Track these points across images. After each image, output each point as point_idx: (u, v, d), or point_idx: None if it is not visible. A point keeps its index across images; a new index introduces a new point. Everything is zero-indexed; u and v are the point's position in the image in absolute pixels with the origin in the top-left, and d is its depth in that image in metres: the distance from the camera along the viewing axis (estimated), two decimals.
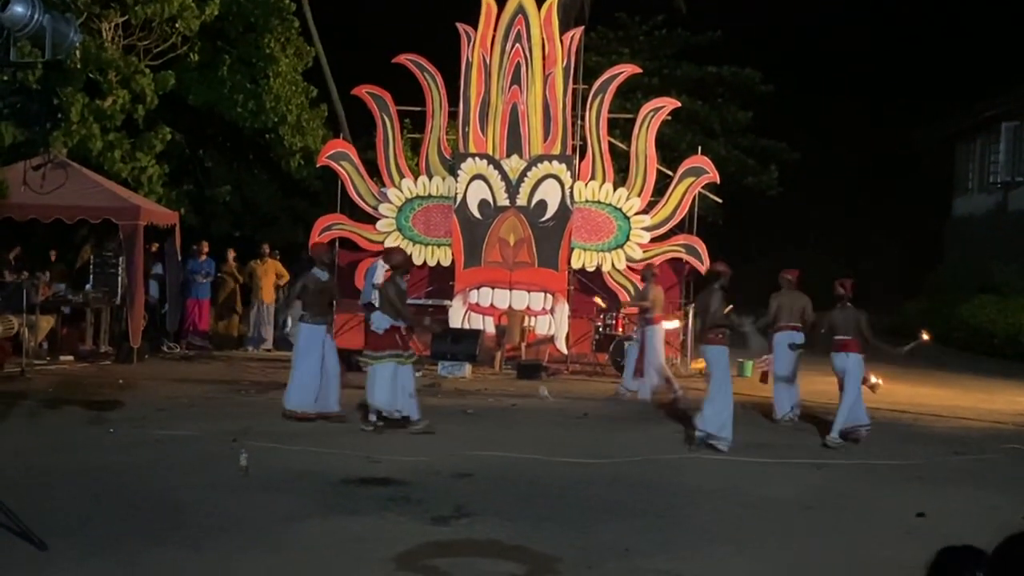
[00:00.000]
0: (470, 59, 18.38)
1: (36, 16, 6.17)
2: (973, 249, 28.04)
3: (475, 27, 18.35)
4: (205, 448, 10.02)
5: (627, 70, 19.56)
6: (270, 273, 19.84)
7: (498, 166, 18.18)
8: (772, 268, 14.46)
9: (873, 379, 12.15)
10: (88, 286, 17.67)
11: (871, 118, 37.49)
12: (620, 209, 18.20)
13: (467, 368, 16.48)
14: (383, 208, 18.63)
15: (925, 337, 13.21)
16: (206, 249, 19.80)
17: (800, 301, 13.12)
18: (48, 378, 14.74)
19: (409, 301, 17.71)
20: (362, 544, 6.98)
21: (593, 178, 18.31)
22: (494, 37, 18.31)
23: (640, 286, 16.50)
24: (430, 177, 18.68)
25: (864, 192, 38.03)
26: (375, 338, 11.78)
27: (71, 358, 16.67)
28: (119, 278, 17.33)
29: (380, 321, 11.68)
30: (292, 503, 7.99)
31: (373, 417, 11.55)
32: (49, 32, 6.31)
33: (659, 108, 18.70)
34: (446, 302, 18.10)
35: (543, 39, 18.19)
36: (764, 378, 13.41)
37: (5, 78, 6.61)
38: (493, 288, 17.97)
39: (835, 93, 37.98)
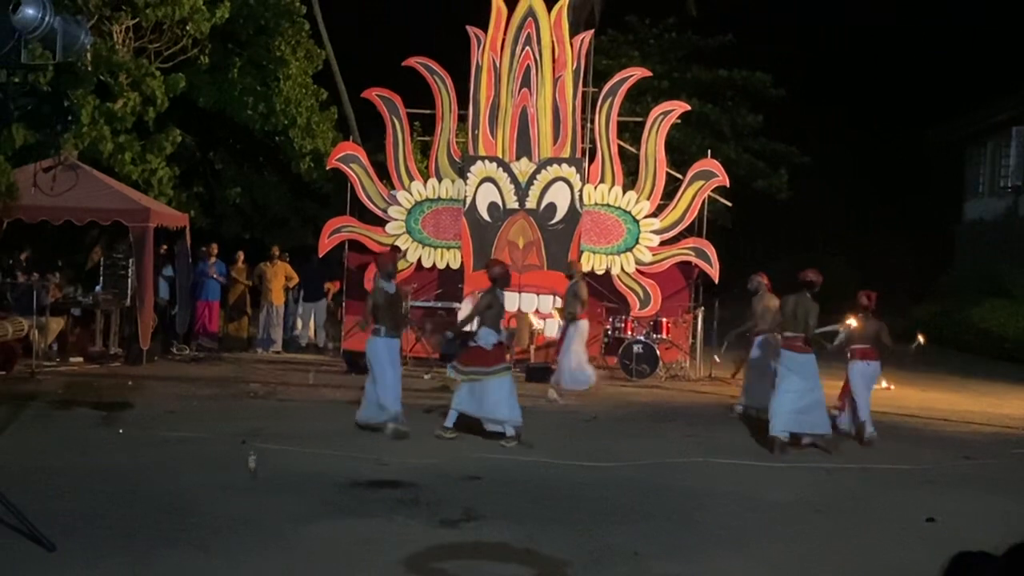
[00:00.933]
0: (480, 62, 18.39)
1: (47, 18, 6.19)
2: (984, 253, 27.98)
3: (485, 30, 18.35)
4: (214, 450, 10.03)
5: (637, 73, 19.55)
6: (280, 275, 19.86)
7: (507, 169, 18.17)
8: (782, 272, 14.45)
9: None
10: (98, 288, 17.73)
11: (882, 122, 37.45)
12: (629, 212, 18.19)
13: None
14: (392, 211, 18.64)
15: (921, 340, 13.51)
16: (215, 251, 19.84)
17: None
18: (58, 379, 14.77)
19: (418, 304, 17.93)
20: (371, 546, 6.98)
21: (602, 181, 18.29)
22: (504, 40, 18.32)
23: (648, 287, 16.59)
24: (439, 180, 18.69)
25: (875, 196, 37.96)
26: (482, 353, 11.27)
27: (81, 360, 16.70)
28: (129, 280, 17.37)
29: (488, 337, 11.32)
30: (301, 505, 7.99)
31: (511, 431, 11.06)
32: (60, 34, 6.33)
33: (669, 111, 18.68)
34: (455, 305, 18.09)
35: (553, 42, 18.19)
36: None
37: (16, 80, 6.63)
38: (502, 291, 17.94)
39: (845, 97, 37.95)
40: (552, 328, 17.72)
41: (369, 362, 11.56)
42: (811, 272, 11.67)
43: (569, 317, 15.44)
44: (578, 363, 15.56)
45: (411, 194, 18.65)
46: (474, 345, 11.38)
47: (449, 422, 11.27)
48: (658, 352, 17.20)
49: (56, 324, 16.59)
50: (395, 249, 13.17)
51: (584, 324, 15.73)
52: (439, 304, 18.30)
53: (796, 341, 11.34)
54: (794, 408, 11.09)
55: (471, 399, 11.22)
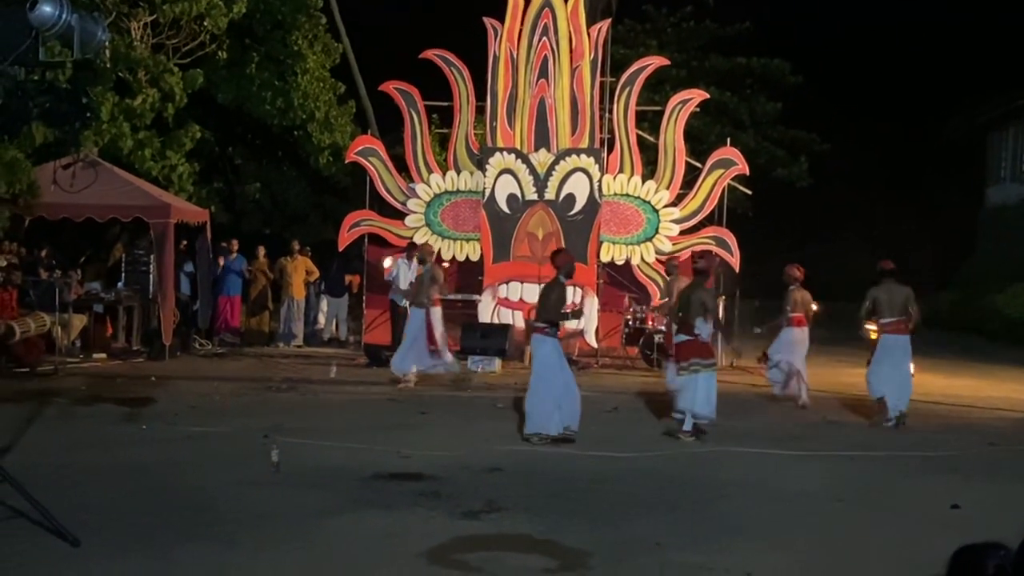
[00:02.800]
0: (497, 53, 18.36)
1: (64, 15, 6.20)
2: (1006, 239, 27.82)
3: (502, 21, 18.31)
4: (237, 444, 10.07)
5: (655, 62, 19.49)
6: (300, 270, 19.91)
7: (526, 160, 18.14)
8: (802, 261, 14.40)
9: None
10: (120, 284, 17.81)
11: (902, 108, 37.24)
12: (649, 202, 18.14)
13: (497, 363, 16.49)
14: (412, 204, 18.65)
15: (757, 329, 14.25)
16: (236, 247, 19.90)
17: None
18: (81, 376, 14.85)
19: (439, 296, 17.91)
20: (393, 539, 6.99)
21: (621, 171, 18.25)
22: (521, 31, 18.28)
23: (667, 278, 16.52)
24: (458, 172, 18.68)
25: (896, 182, 37.79)
26: (700, 346, 11.23)
27: (104, 356, 16.79)
28: (150, 276, 17.45)
29: (705, 329, 11.28)
30: (323, 498, 8.01)
31: (690, 426, 11.07)
32: (77, 31, 6.34)
33: (687, 100, 18.60)
34: (475, 297, 18.10)
35: (570, 32, 18.14)
36: None
37: (35, 78, 6.65)
38: (522, 282, 17.93)
39: (865, 83, 37.75)
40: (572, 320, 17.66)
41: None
42: (886, 262, 12.36)
43: (428, 302, 14.75)
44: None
45: (430, 187, 18.65)
46: (691, 339, 11.24)
47: (688, 425, 11.13)
48: None
49: (79, 321, 16.68)
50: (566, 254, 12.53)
51: (439, 309, 15.06)
52: (459, 296, 18.29)
53: (890, 325, 12.23)
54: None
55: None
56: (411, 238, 18.24)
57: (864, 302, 12.40)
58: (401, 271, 16.83)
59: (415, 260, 16.10)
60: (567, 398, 10.74)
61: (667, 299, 15.30)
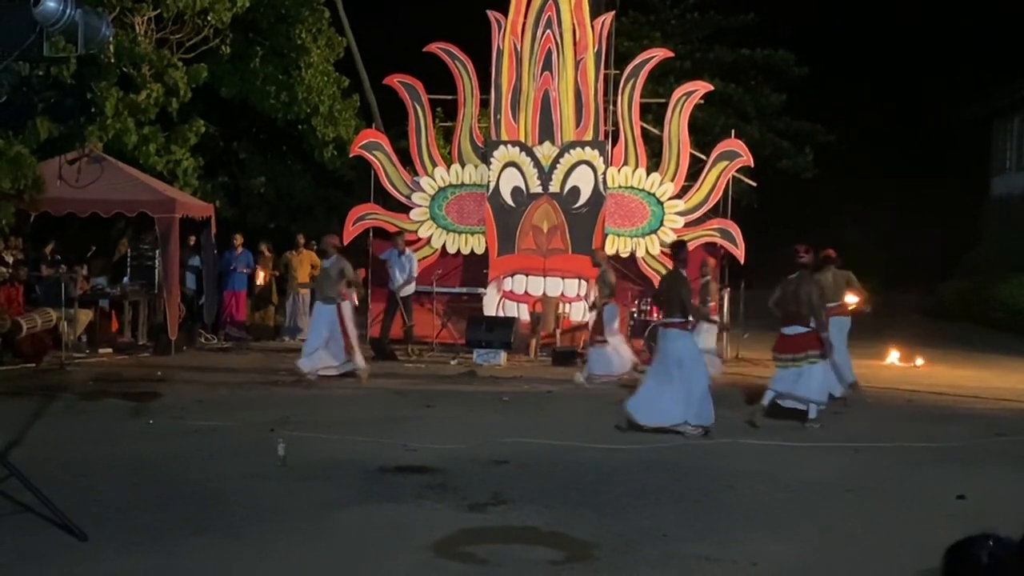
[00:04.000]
0: (501, 46, 18.34)
1: (68, 11, 6.20)
2: (1012, 229, 27.75)
3: (505, 14, 18.30)
4: (243, 438, 10.09)
5: (659, 54, 19.45)
6: (305, 264, 19.91)
7: (530, 153, 18.14)
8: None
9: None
10: (125, 279, 17.83)
11: (907, 98, 37.19)
12: (653, 194, 18.12)
13: (502, 355, 16.51)
14: (416, 197, 18.65)
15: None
16: (241, 241, 19.92)
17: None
18: (87, 371, 14.88)
19: (443, 290, 17.96)
20: (399, 532, 7.00)
21: (626, 163, 18.23)
22: (524, 24, 18.26)
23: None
24: (463, 165, 18.67)
25: (901, 173, 37.71)
26: (813, 338, 11.47)
27: (110, 351, 16.81)
28: (156, 271, 17.47)
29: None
30: (330, 491, 8.02)
31: (815, 412, 11.45)
32: (81, 27, 6.34)
33: (692, 92, 18.56)
34: (480, 290, 18.11)
35: (574, 24, 18.12)
36: None
37: (40, 73, 6.65)
38: (527, 275, 17.95)
39: (870, 74, 37.67)
40: (578, 312, 17.70)
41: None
42: (829, 251, 12.96)
43: (337, 297, 14.32)
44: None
45: (434, 180, 18.65)
46: (807, 331, 11.45)
47: (813, 413, 11.48)
48: None
49: (85, 316, 16.70)
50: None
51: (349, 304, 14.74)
52: (464, 290, 18.31)
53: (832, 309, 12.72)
54: None
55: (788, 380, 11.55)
56: (416, 231, 18.31)
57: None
58: (393, 257, 17.02)
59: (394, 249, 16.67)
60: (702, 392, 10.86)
61: (709, 301, 15.36)
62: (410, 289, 17.51)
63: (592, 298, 15.72)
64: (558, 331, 17.68)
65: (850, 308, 13.69)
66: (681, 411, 10.69)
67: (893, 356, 17.68)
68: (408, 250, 17.67)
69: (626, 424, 10.79)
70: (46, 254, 17.44)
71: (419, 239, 18.55)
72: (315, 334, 14.44)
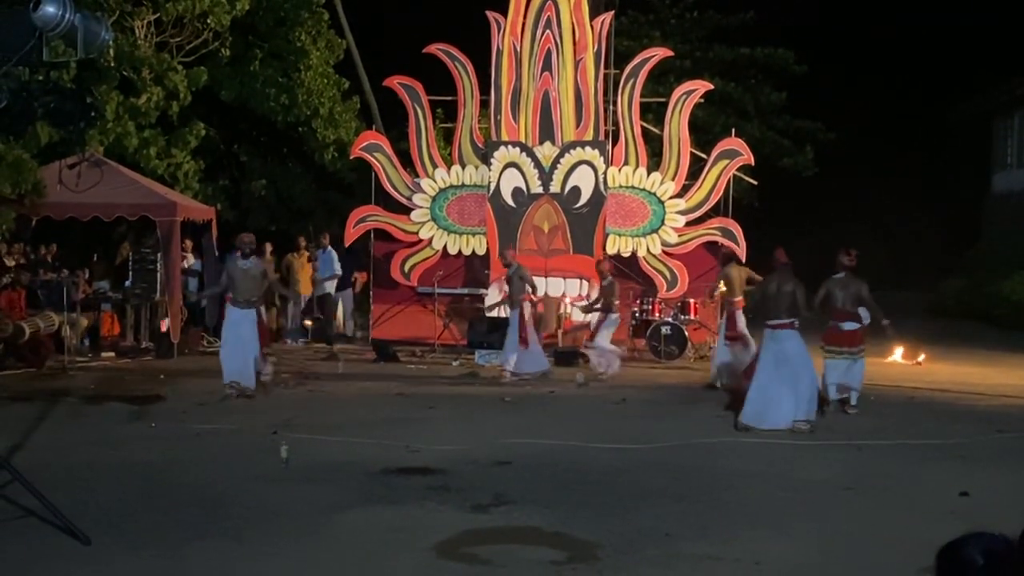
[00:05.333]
0: (500, 47, 18.36)
1: (67, 15, 6.21)
2: (1013, 225, 27.74)
3: (505, 15, 18.32)
4: (246, 441, 10.10)
5: (659, 53, 19.46)
6: (307, 266, 19.92)
7: (531, 153, 18.15)
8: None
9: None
10: (127, 283, 17.84)
11: (907, 95, 37.16)
12: (654, 194, 18.13)
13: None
14: (417, 198, 18.66)
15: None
16: None
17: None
18: (89, 375, 14.89)
19: (444, 291, 17.98)
20: (402, 533, 7.01)
21: (626, 163, 18.24)
22: (524, 24, 18.27)
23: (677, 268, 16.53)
24: (463, 166, 18.69)
25: (901, 170, 37.69)
26: (862, 333, 12.50)
27: (112, 354, 16.82)
28: (158, 274, 17.47)
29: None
30: (333, 494, 8.03)
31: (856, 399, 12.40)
32: (81, 31, 6.35)
33: (692, 91, 18.58)
34: (482, 291, 18.12)
35: (573, 24, 18.13)
36: None
37: (39, 78, 6.66)
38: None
39: (870, 71, 37.64)
40: (580, 312, 17.70)
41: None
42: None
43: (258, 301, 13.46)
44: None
45: (435, 181, 18.66)
46: (860, 327, 12.40)
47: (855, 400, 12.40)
48: (686, 333, 17.17)
49: (86, 319, 16.71)
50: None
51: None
52: (465, 291, 18.32)
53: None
54: None
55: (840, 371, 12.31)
56: (416, 232, 18.37)
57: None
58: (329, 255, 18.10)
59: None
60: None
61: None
62: (329, 286, 18.35)
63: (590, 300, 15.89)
64: (560, 331, 17.68)
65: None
66: (792, 411, 11.02)
67: (896, 354, 17.63)
68: (329, 248, 18.72)
69: (742, 427, 11.07)
70: (47, 258, 17.44)
71: (420, 240, 18.58)
72: (240, 342, 13.04)
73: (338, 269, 18.85)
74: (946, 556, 2.60)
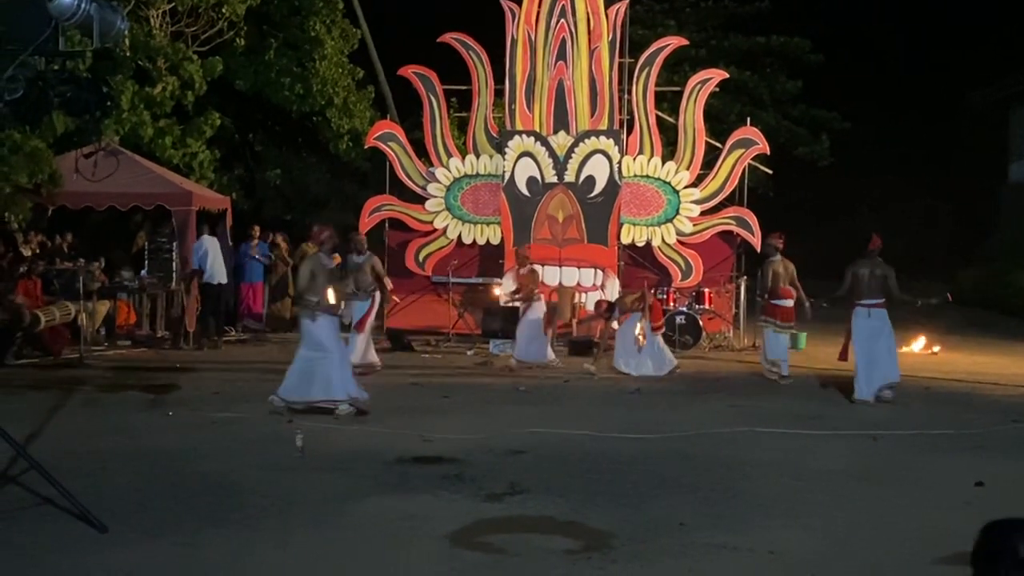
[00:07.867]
0: (515, 36, 18.32)
1: (83, 5, 6.22)
2: None
3: (519, 3, 18.27)
4: (262, 429, 10.13)
5: (673, 42, 19.40)
6: None
7: (545, 143, 18.12)
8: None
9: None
10: (143, 272, 17.90)
11: (924, 83, 36.96)
12: (669, 183, 18.08)
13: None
14: (432, 188, 18.67)
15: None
16: (257, 233, 19.94)
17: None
18: (106, 363, 14.95)
19: (460, 280, 17.99)
20: (417, 522, 7.02)
21: (641, 152, 18.20)
22: (539, 13, 18.23)
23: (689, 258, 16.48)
24: (478, 156, 18.68)
25: (917, 159, 37.52)
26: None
27: (128, 343, 16.88)
28: (173, 263, 17.52)
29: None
30: (347, 483, 8.05)
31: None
32: (96, 21, 6.36)
33: (707, 80, 18.51)
34: (496, 280, 18.10)
35: (588, 13, 18.08)
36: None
37: (55, 67, 6.67)
38: (543, 265, 17.87)
39: (886, 60, 37.45)
40: (594, 301, 17.67)
41: None
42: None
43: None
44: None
45: (450, 171, 18.66)
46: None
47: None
48: (701, 323, 17.16)
49: (103, 308, 16.77)
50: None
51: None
52: (480, 280, 18.32)
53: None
54: None
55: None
56: (431, 222, 18.39)
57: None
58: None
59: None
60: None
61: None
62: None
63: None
64: (574, 321, 17.66)
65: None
66: (881, 378, 12.33)
67: (917, 344, 17.49)
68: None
69: (860, 401, 12.15)
70: (63, 247, 17.51)
71: (435, 229, 18.58)
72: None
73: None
74: (992, 535, 2.56)
